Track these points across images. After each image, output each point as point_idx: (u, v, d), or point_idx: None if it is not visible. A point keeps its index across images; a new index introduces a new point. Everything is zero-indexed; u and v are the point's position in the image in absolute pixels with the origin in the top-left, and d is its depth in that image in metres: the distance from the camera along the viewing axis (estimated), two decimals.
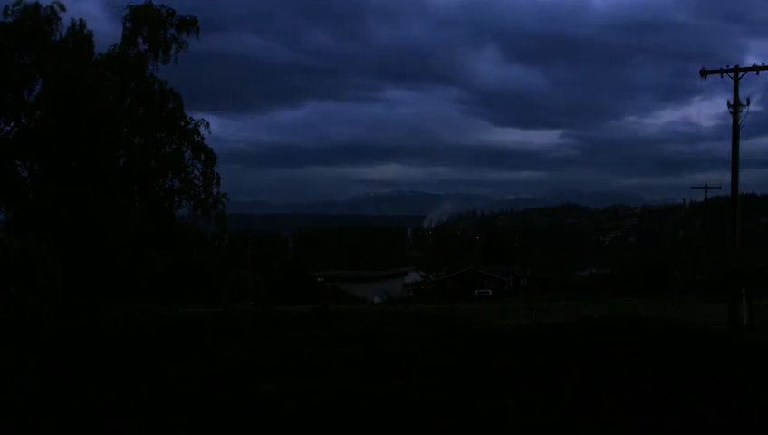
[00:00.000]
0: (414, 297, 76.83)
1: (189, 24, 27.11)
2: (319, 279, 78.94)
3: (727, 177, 26.58)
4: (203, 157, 27.47)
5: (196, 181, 27.15)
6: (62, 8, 25.81)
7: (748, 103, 25.49)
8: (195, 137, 27.45)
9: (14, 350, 13.87)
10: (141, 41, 26.73)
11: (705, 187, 49.25)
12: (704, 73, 25.71)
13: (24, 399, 9.67)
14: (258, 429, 8.11)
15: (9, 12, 25.25)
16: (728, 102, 25.48)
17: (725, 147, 27.51)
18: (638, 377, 11.18)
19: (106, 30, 28.93)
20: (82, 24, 26.51)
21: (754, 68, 25.32)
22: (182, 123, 27.48)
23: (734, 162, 25.67)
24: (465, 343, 15.12)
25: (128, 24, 26.84)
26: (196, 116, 29.94)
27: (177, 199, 27.40)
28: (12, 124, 25.69)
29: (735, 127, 25.52)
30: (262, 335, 16.38)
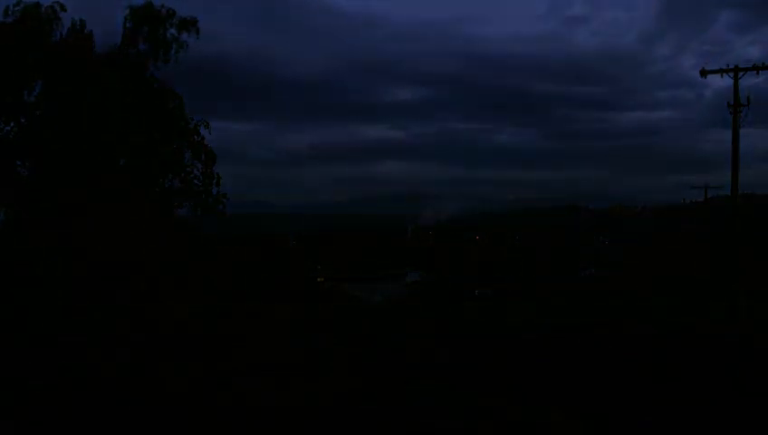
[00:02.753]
0: (414, 297, 76.86)
1: (189, 24, 27.14)
2: (319, 279, 78.95)
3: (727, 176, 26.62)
4: (203, 157, 27.48)
5: (196, 181, 27.15)
6: (63, 8, 25.79)
7: (749, 103, 25.46)
8: (195, 137, 27.45)
9: (13, 350, 13.89)
10: (141, 41, 26.76)
11: (705, 187, 49.26)
12: (704, 73, 25.71)
13: (23, 400, 9.68)
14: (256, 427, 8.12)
15: (9, 12, 25.24)
16: (728, 103, 25.47)
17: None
18: (636, 376, 11.19)
19: (106, 30, 28.87)
20: (83, 23, 26.48)
21: (755, 68, 25.32)
22: (182, 123, 27.49)
23: (735, 162, 25.66)
24: (464, 343, 15.11)
25: (128, 24, 26.86)
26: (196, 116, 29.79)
27: (177, 199, 27.39)
28: (12, 124, 25.68)
29: (735, 127, 25.51)
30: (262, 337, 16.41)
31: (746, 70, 25.44)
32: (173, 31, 26.93)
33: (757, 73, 25.56)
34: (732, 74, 25.52)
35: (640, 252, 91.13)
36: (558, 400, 9.51)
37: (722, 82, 25.67)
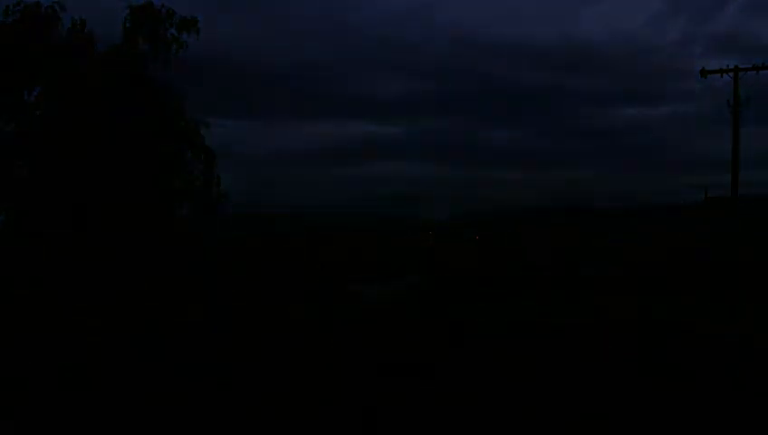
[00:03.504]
0: (415, 297, 76.62)
1: (190, 24, 27.14)
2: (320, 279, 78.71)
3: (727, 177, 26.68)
4: (203, 157, 27.49)
5: (196, 182, 27.16)
6: (63, 8, 25.83)
7: (748, 103, 25.53)
8: (195, 137, 27.48)
9: (13, 350, 13.89)
10: (141, 41, 26.76)
11: (706, 188, 49.43)
12: (704, 74, 25.77)
13: (23, 400, 9.69)
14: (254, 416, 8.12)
15: (10, 12, 25.24)
16: (728, 102, 25.52)
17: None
18: (636, 375, 11.18)
19: (106, 30, 28.94)
20: (83, 23, 26.50)
21: (755, 68, 25.40)
22: (182, 123, 27.50)
23: (735, 163, 25.72)
24: (465, 343, 15.13)
25: (128, 25, 26.85)
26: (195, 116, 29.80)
27: (177, 199, 27.40)
28: (12, 125, 25.70)
29: (736, 127, 25.57)
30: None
31: (746, 70, 25.51)
32: (173, 31, 26.93)
33: (757, 73, 25.64)
34: (732, 74, 25.59)
35: (640, 251, 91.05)
36: (558, 399, 9.52)
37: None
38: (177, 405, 9.30)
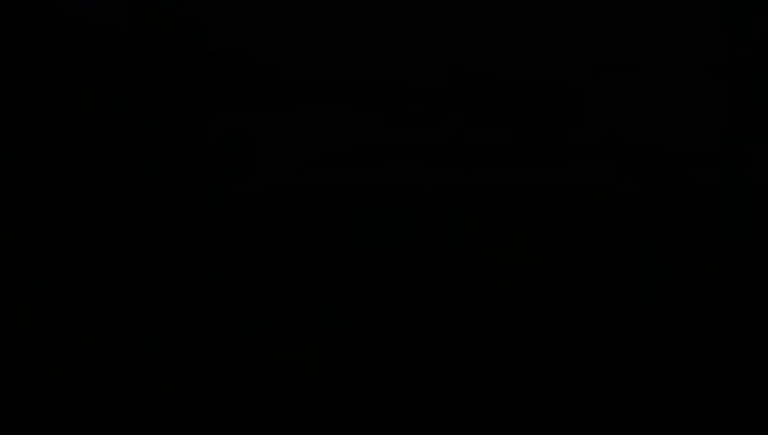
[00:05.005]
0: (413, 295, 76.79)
1: (190, 23, 27.21)
2: None
3: None
4: (203, 155, 27.53)
5: (197, 181, 27.20)
6: (64, 9, 25.87)
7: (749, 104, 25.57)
8: (196, 135, 27.53)
9: (13, 348, 13.92)
10: (141, 40, 26.82)
11: (705, 186, 49.52)
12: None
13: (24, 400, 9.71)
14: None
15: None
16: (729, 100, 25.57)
17: None
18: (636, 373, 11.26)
19: (105, 29, 29.00)
20: (81, 19, 26.55)
21: (755, 68, 25.40)
22: (182, 121, 27.56)
23: (734, 162, 25.76)
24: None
25: (127, 21, 26.93)
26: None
27: (176, 199, 27.44)
28: (9, 122, 25.72)
29: (735, 126, 25.62)
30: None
31: (746, 71, 25.57)
32: (173, 30, 27.00)
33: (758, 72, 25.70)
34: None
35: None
36: (558, 399, 9.55)
37: None
38: (177, 404, 9.32)
